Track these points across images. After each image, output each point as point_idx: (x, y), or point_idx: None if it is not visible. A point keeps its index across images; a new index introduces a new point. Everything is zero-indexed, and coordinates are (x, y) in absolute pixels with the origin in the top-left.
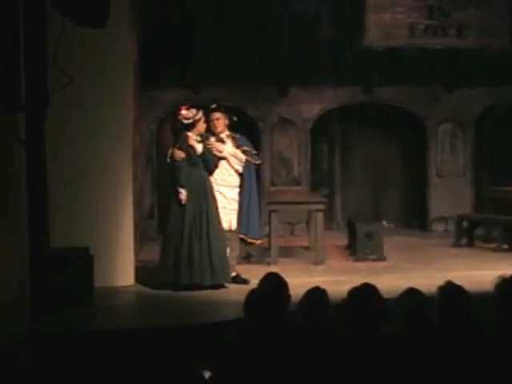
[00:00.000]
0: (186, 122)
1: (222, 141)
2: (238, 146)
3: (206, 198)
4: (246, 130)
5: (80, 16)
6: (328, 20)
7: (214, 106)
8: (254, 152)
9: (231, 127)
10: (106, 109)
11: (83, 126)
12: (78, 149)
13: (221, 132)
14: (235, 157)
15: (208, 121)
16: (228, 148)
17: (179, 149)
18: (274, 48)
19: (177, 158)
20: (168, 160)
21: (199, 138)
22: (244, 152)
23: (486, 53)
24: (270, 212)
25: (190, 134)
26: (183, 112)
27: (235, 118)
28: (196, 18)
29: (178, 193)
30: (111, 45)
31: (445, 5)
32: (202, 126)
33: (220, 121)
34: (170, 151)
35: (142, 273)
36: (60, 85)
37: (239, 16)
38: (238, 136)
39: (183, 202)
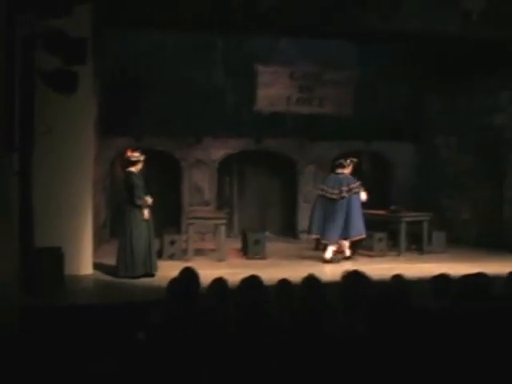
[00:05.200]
0: (132, 159)
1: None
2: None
3: None
4: (172, 168)
5: (57, 86)
6: (232, 91)
7: (354, 159)
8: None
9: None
10: (74, 150)
11: (58, 162)
12: (53, 179)
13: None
14: None
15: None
16: None
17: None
18: (193, 108)
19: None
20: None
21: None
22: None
23: (339, 117)
24: (188, 224)
25: (133, 169)
26: (129, 153)
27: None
28: (139, 85)
29: (142, 212)
30: (79, 105)
31: (310, 84)
32: (142, 165)
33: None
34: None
35: (98, 265)
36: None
37: (169, 84)
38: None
39: (146, 217)
